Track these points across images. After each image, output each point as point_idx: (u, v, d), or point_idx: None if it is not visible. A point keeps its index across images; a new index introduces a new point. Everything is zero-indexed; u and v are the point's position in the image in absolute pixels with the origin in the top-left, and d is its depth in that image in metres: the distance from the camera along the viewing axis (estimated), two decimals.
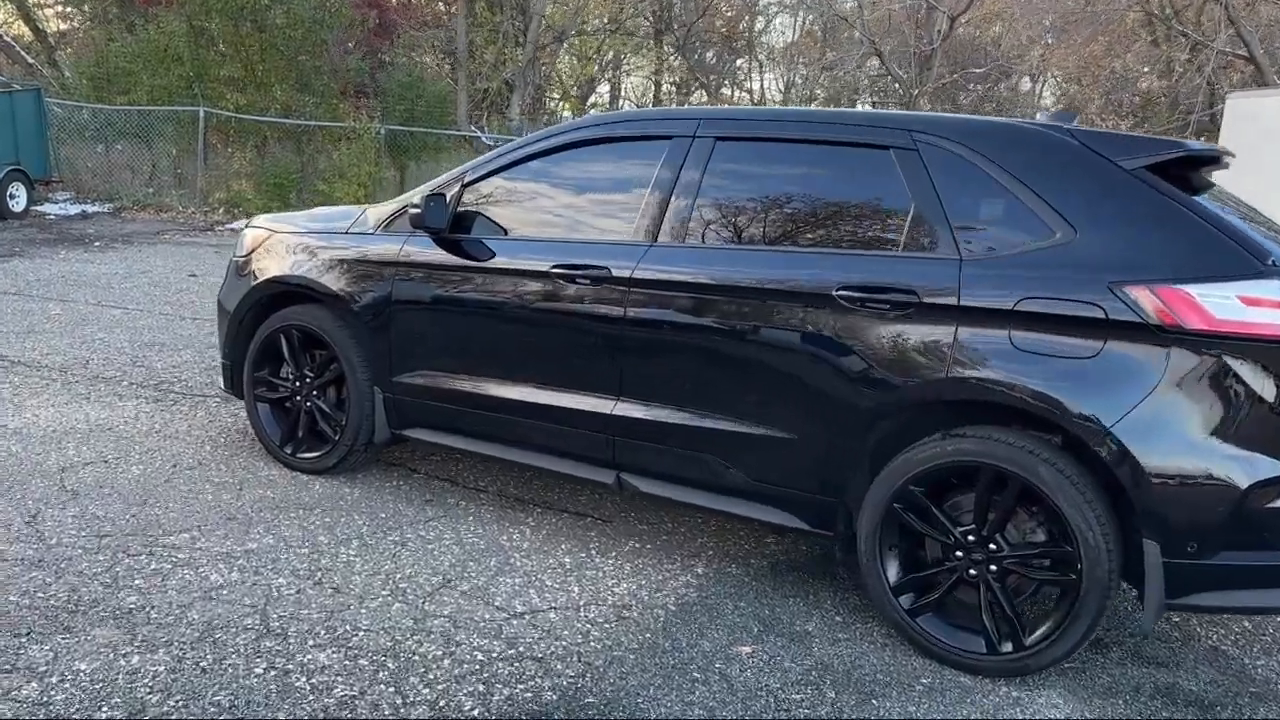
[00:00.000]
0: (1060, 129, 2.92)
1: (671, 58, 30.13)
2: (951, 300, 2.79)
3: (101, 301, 7.75)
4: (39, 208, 13.92)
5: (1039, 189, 2.82)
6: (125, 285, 8.62)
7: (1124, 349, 2.62)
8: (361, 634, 2.84)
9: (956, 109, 24.89)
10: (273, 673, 2.59)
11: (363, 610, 2.98)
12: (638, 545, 3.62)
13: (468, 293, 3.65)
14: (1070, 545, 2.67)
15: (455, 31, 17.50)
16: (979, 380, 2.74)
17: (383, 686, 2.58)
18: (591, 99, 35.06)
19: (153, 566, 3.16)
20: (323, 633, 2.82)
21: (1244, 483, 2.55)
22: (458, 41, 17.16)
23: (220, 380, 4.46)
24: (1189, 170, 2.86)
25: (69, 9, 22.81)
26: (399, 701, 2.52)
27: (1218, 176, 3.12)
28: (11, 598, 2.89)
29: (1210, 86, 21.76)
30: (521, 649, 2.82)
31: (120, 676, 2.53)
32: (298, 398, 4.12)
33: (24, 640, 2.66)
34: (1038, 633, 2.76)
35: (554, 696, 2.59)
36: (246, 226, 4.39)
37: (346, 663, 2.68)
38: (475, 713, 2.50)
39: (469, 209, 3.77)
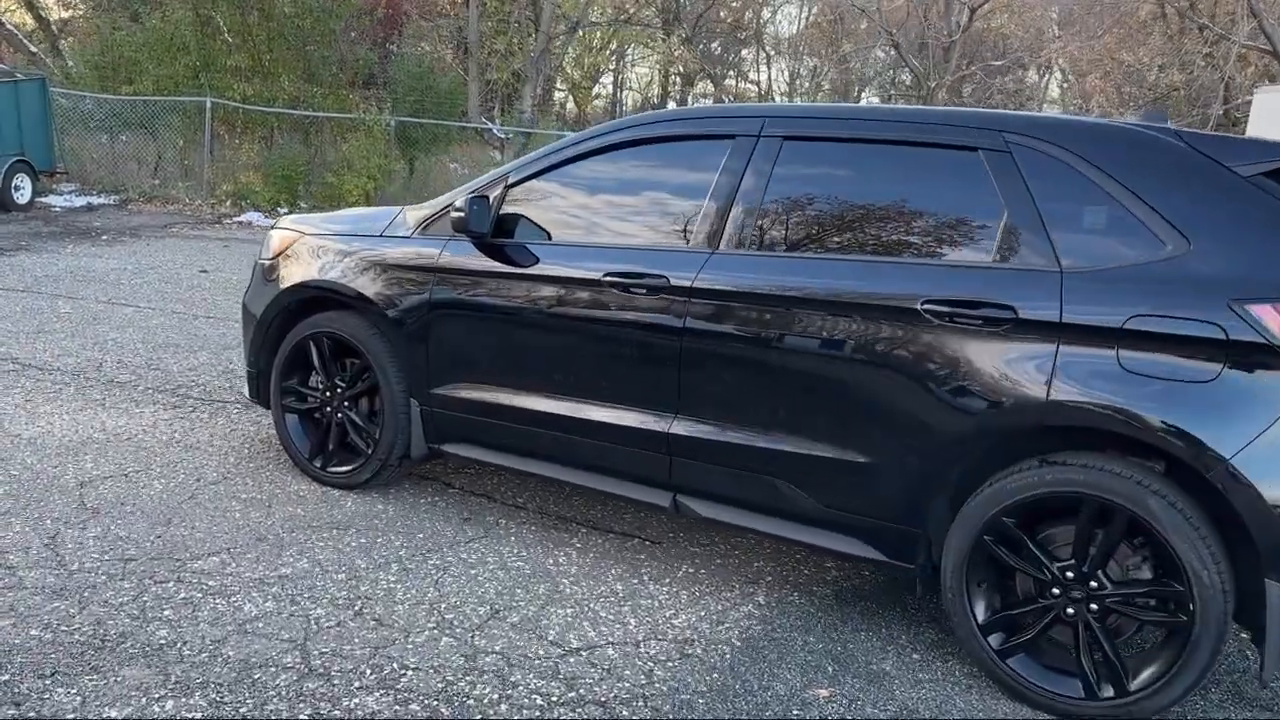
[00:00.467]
0: (1167, 130, 2.70)
1: (677, 49, 29.83)
2: (1053, 316, 2.57)
3: (112, 299, 7.53)
4: (44, 200, 13.68)
5: (1147, 196, 2.60)
6: (135, 281, 8.40)
7: (1246, 372, 2.41)
8: (410, 674, 2.63)
9: (962, 102, 24.59)
10: None
11: (409, 646, 2.77)
12: (691, 570, 3.41)
13: (513, 301, 3.44)
14: (1181, 584, 2.46)
15: (466, 21, 17.24)
16: (1083, 404, 2.53)
17: None
18: (595, 90, 34.77)
19: (182, 595, 2.95)
20: (369, 672, 2.62)
21: None
22: (469, 31, 16.90)
23: (245, 389, 4.24)
24: None
25: None
26: None
27: None
28: (33, 632, 2.68)
29: (1226, 81, 21.48)
30: (582, 691, 2.62)
31: None
32: (328, 409, 3.91)
33: (49, 683, 2.45)
34: (1142, 676, 2.55)
35: None
36: (273, 228, 4.16)
37: (397, 708, 2.47)
38: None
39: (512, 212, 3.55)
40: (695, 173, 3.28)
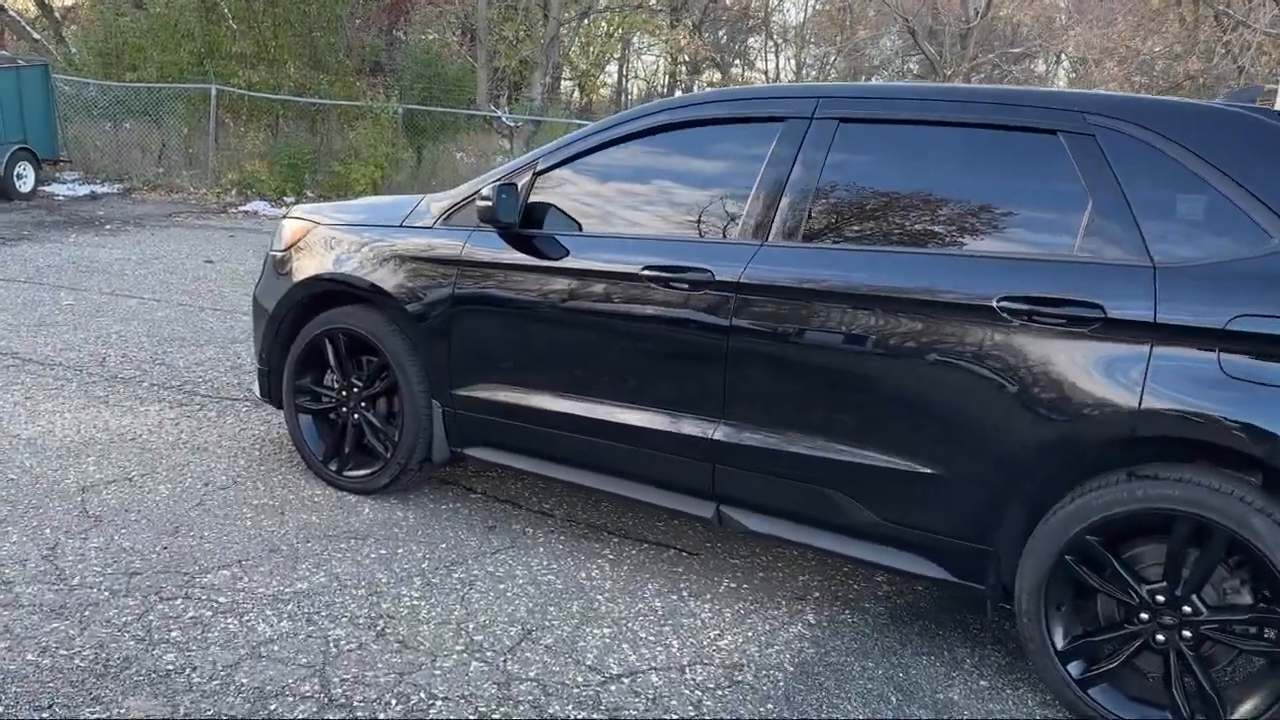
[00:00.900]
0: (1269, 111, 2.46)
1: (685, 38, 29.45)
2: (1145, 316, 2.34)
3: (116, 290, 7.31)
4: (47, 188, 13.46)
5: (1249, 183, 2.36)
6: (139, 272, 8.18)
7: None
8: (440, 704, 2.41)
9: None
10: None
11: (436, 672, 2.55)
12: (733, 585, 3.19)
13: (542, 296, 3.21)
14: None
15: (474, 7, 16.95)
16: (1182, 413, 2.29)
17: None
18: (600, 78, 34.40)
19: (191, 614, 2.73)
20: (394, 703, 2.40)
21: None
22: (477, 17, 16.62)
23: (254, 386, 4.02)
24: None
25: None
26: None
27: None
28: (30, 657, 2.47)
29: (1241, 70, 21.12)
30: None
31: None
32: (344, 409, 3.69)
33: (46, 716, 2.24)
34: (1243, 710, 2.33)
35: None
36: (285, 218, 3.94)
37: None
38: None
39: (541, 201, 3.32)
40: (742, 158, 3.04)
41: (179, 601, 2.79)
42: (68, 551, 3.04)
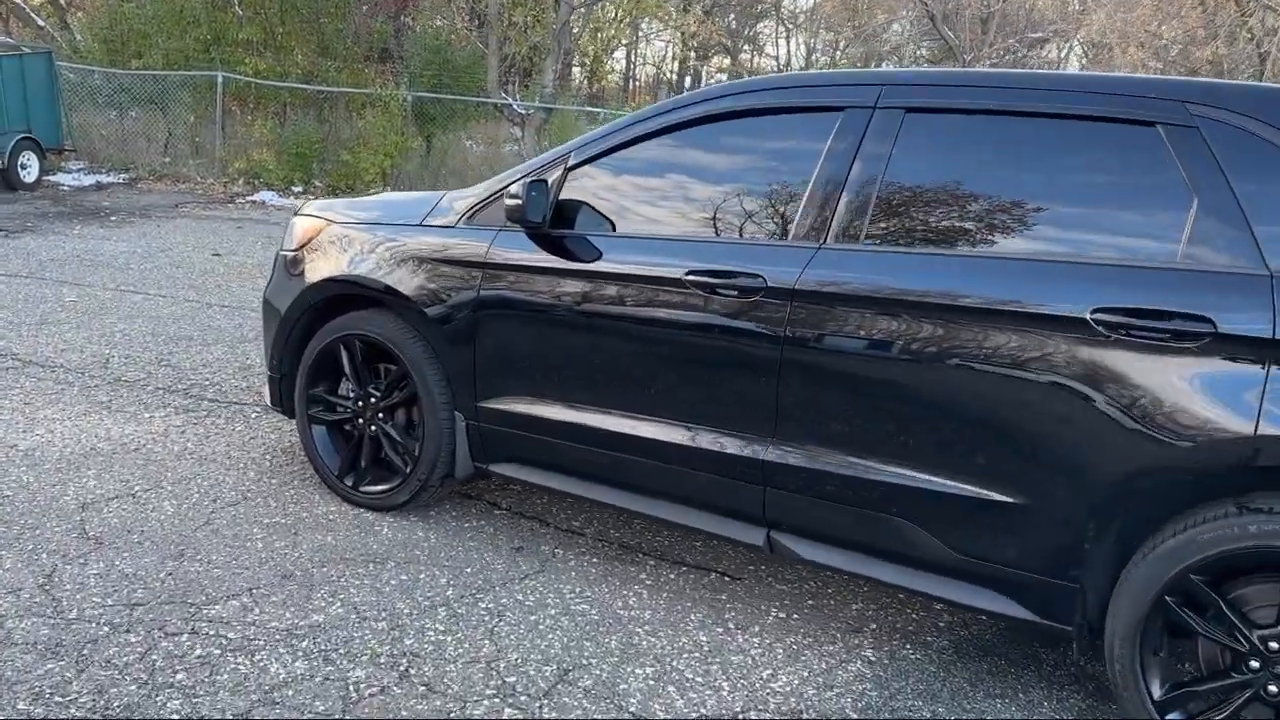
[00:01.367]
0: None
1: (695, 24, 29.02)
2: (1263, 331, 2.08)
3: (120, 285, 7.09)
4: (51, 178, 13.25)
5: None
6: (145, 266, 7.96)
7: None
8: None
9: None
10: None
11: None
12: (782, 615, 2.95)
13: (575, 303, 2.96)
14: None
15: None
16: None
17: None
18: (609, 65, 33.99)
19: (198, 652, 2.51)
20: None
21: None
22: (489, 1, 16.30)
23: (265, 393, 3.79)
24: None
25: None
26: None
27: None
28: (21, 705, 2.24)
29: (1263, 57, 20.67)
30: None
31: None
32: (360, 420, 3.45)
33: None
34: None
35: None
36: (297, 214, 3.69)
37: None
38: None
39: (572, 198, 3.07)
40: (795, 152, 2.79)
41: (185, 638, 2.57)
42: (65, 579, 2.82)
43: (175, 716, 2.24)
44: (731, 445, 2.74)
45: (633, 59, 38.77)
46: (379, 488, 3.42)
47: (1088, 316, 2.24)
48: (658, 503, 2.95)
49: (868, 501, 2.56)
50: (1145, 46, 24.42)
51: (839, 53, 33.35)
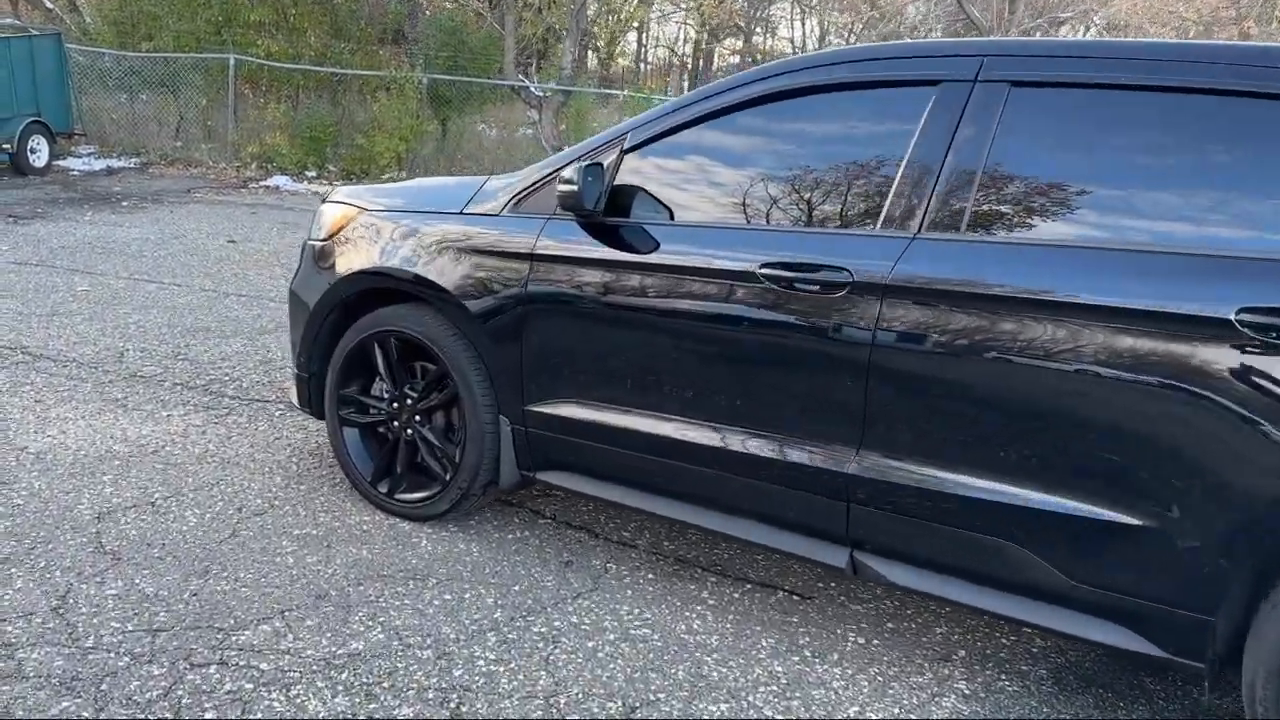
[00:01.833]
0: None
1: (711, 4, 28.53)
2: None
3: (134, 274, 6.86)
4: (62, 163, 13.01)
5: None
6: (158, 253, 7.72)
7: None
8: None
9: None
10: None
11: None
12: (861, 641, 2.70)
13: (634, 299, 2.70)
14: None
15: None
16: None
17: None
18: (620, 46, 33.53)
19: (228, 686, 2.27)
20: None
21: None
22: None
23: (291, 393, 3.54)
24: None
25: None
26: None
27: None
28: None
29: None
30: None
31: None
32: (395, 423, 3.21)
33: None
34: None
35: None
36: (326, 201, 3.43)
37: None
38: None
39: (629, 184, 2.81)
40: (884, 131, 2.52)
41: (213, 669, 2.33)
42: (81, 601, 2.59)
43: None
44: (810, 456, 2.48)
45: (643, 41, 38.27)
46: (416, 495, 3.18)
47: (1232, 317, 1.97)
48: (728, 519, 2.69)
49: (969, 523, 2.30)
50: (1168, 26, 23.90)
51: (854, 35, 32.77)
